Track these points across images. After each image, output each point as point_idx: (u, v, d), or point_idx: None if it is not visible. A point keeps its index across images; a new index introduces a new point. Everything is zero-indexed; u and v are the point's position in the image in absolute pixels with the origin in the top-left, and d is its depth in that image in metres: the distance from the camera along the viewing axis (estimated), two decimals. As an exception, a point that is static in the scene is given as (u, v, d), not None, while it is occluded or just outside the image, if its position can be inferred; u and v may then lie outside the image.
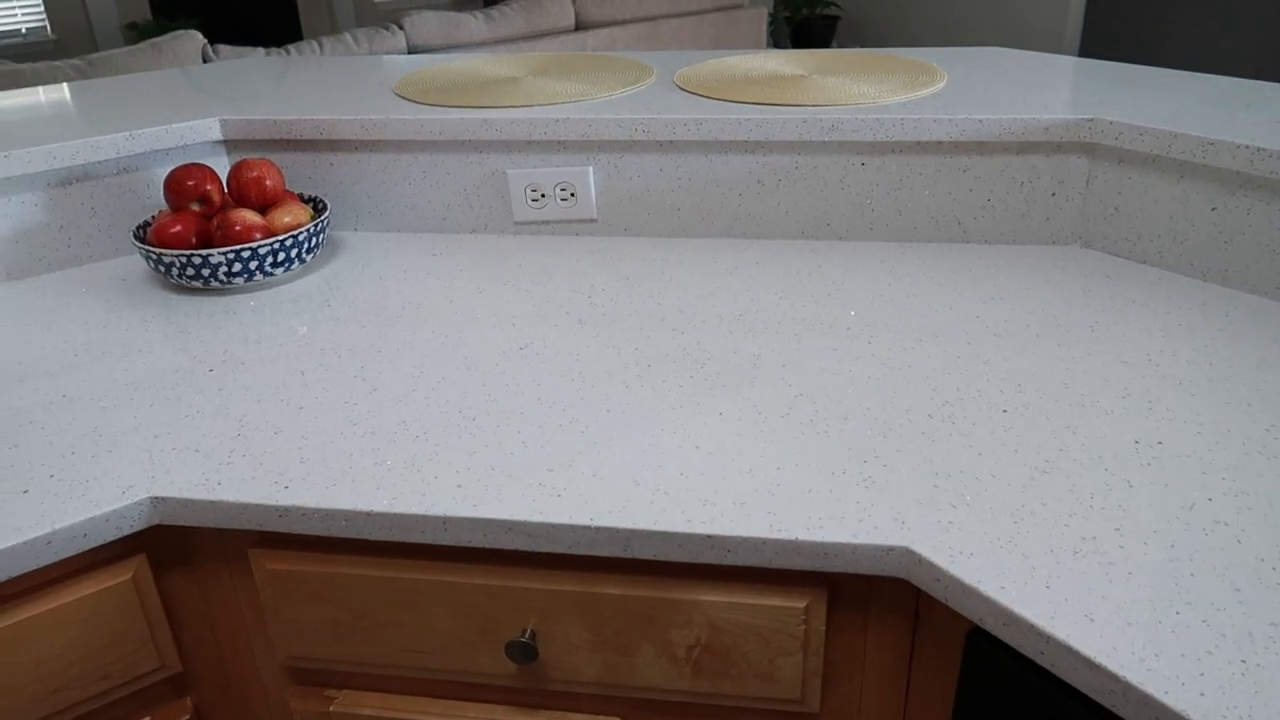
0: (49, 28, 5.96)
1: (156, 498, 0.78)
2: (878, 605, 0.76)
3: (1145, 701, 0.56)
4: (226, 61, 1.62)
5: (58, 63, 2.71)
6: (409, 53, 3.26)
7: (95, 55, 2.78)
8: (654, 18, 3.71)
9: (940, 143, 1.16)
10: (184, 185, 1.15)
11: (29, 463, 0.83)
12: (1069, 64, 1.38)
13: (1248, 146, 1.00)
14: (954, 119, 1.14)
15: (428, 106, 1.29)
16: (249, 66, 1.60)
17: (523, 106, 1.26)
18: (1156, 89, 1.22)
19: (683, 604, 0.76)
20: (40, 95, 1.45)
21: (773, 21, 5.51)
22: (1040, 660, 0.62)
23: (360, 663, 0.85)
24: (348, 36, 3.14)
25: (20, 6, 5.90)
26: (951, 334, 0.98)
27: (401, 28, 3.21)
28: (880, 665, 0.78)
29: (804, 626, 0.76)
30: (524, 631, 0.80)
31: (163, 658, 0.85)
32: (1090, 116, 1.11)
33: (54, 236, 1.22)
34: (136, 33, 5.94)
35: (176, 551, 0.85)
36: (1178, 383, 0.88)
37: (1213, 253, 1.06)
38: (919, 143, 1.17)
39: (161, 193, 1.28)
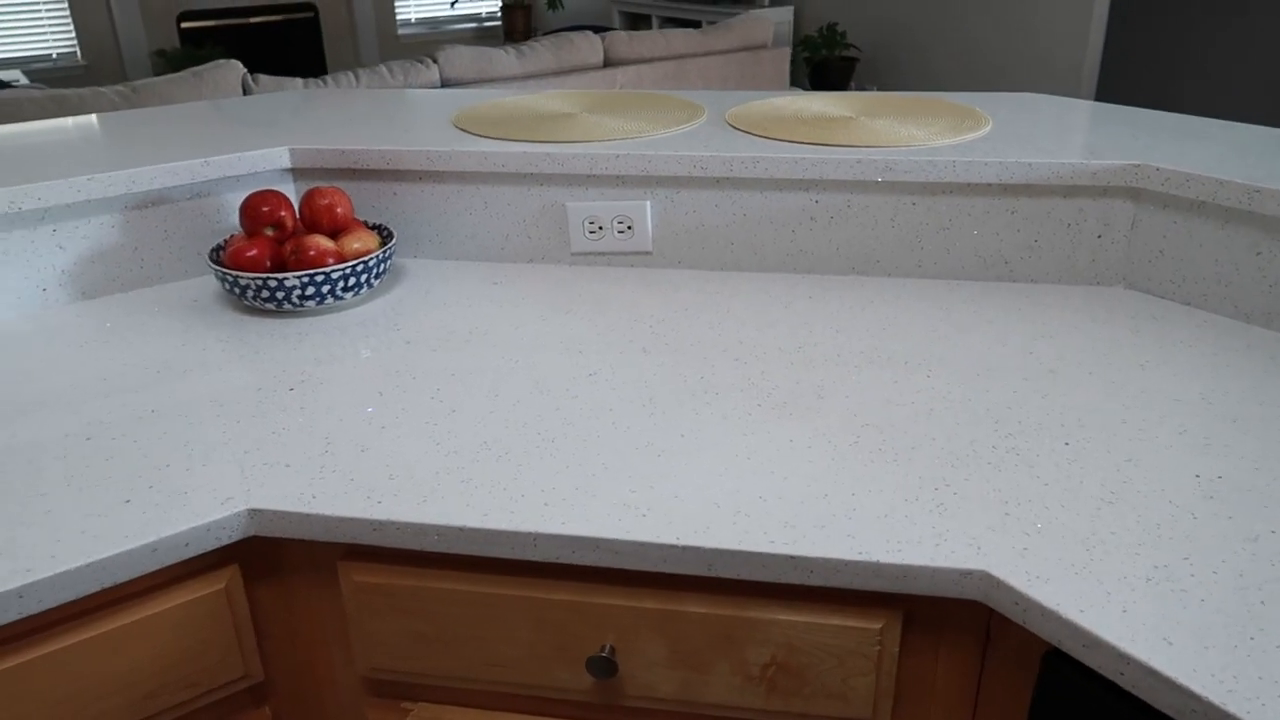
0: (79, 53, 6.07)
1: (254, 510, 0.81)
2: (950, 628, 0.79)
3: (1227, 721, 0.59)
4: (289, 92, 1.67)
5: (103, 89, 2.77)
6: (441, 86, 3.33)
7: (139, 82, 2.85)
8: (680, 56, 3.79)
9: (990, 185, 1.20)
10: (259, 211, 1.19)
11: (126, 474, 0.86)
12: (1109, 111, 1.42)
13: (1294, 194, 1.03)
14: (1004, 162, 1.18)
15: (489, 140, 1.34)
16: (310, 97, 1.65)
17: (582, 142, 1.31)
18: (1199, 138, 1.26)
19: (761, 623, 0.79)
20: (111, 122, 1.50)
21: (792, 62, 5.60)
22: (1121, 682, 0.64)
23: (438, 675, 0.88)
24: (383, 69, 3.21)
25: (51, 32, 6.01)
26: (1006, 369, 1.01)
27: (435, 61, 3.28)
28: (949, 688, 0.81)
29: (878, 648, 0.78)
30: (603, 647, 0.83)
31: (247, 667, 0.88)
32: (1137, 162, 1.15)
33: (128, 257, 1.26)
34: (165, 60, 6.04)
35: (265, 563, 0.87)
36: (1232, 420, 0.91)
37: (1257, 296, 1.10)
38: (969, 184, 1.21)
39: (231, 217, 1.32)
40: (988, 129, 1.33)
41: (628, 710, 0.88)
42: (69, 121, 1.50)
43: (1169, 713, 0.62)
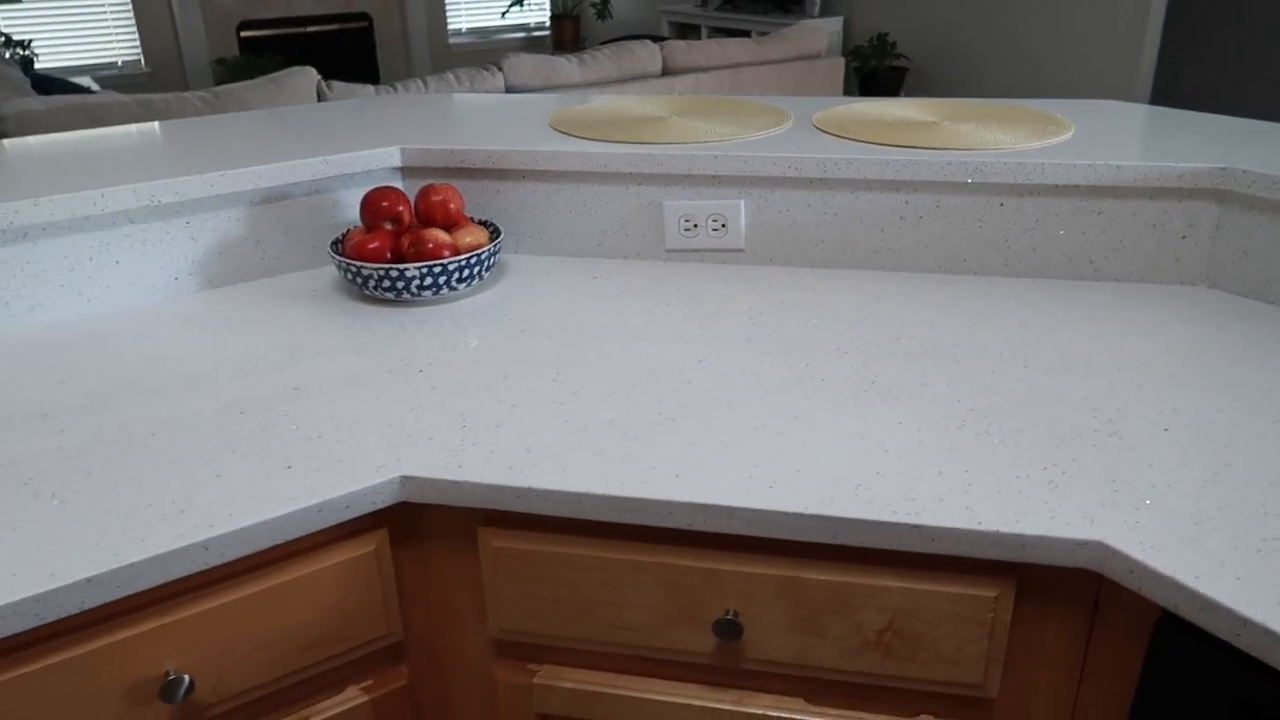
0: (143, 60, 6.25)
1: (406, 476, 0.88)
2: (1059, 599, 0.83)
3: (1344, 676, 0.63)
4: (388, 96, 1.75)
5: (186, 94, 2.89)
6: (506, 92, 3.41)
7: (220, 88, 2.96)
8: (736, 65, 3.85)
9: (1077, 186, 1.25)
10: (379, 206, 1.26)
11: (282, 443, 0.93)
12: (1189, 117, 1.46)
13: (1382, 196, 1.07)
14: (1093, 164, 1.22)
15: (587, 140, 1.40)
16: (410, 101, 1.73)
17: (679, 143, 1.37)
18: (1278, 142, 1.30)
19: (879, 589, 0.84)
20: (225, 124, 1.58)
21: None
22: (1237, 642, 0.69)
23: (565, 638, 0.94)
24: (450, 76, 3.30)
25: (117, 40, 6.20)
26: (1099, 362, 1.06)
27: (500, 69, 3.37)
28: (1057, 656, 0.85)
29: (992, 615, 0.83)
30: (727, 611, 0.88)
31: (389, 626, 0.94)
32: (1223, 165, 1.19)
33: (251, 250, 1.34)
34: (225, 68, 6.21)
35: (408, 529, 0.94)
36: (1325, 410, 0.95)
37: (1343, 295, 1.13)
38: (1057, 186, 1.25)
39: (345, 213, 1.40)
40: (1070, 134, 1.37)
41: (742, 674, 0.94)
42: (188, 122, 1.59)
43: (1285, 670, 0.66)
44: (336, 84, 3.16)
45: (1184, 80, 4.90)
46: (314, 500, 0.84)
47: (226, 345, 1.15)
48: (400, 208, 1.27)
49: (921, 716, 0.91)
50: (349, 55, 6.85)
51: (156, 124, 1.58)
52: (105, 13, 6.12)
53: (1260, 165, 1.19)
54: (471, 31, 7.27)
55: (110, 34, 6.19)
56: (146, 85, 6.17)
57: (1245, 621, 0.68)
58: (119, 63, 6.26)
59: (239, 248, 1.33)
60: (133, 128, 1.55)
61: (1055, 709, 0.88)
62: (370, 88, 3.15)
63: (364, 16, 6.75)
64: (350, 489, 0.86)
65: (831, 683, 0.92)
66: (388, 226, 1.27)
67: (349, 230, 1.32)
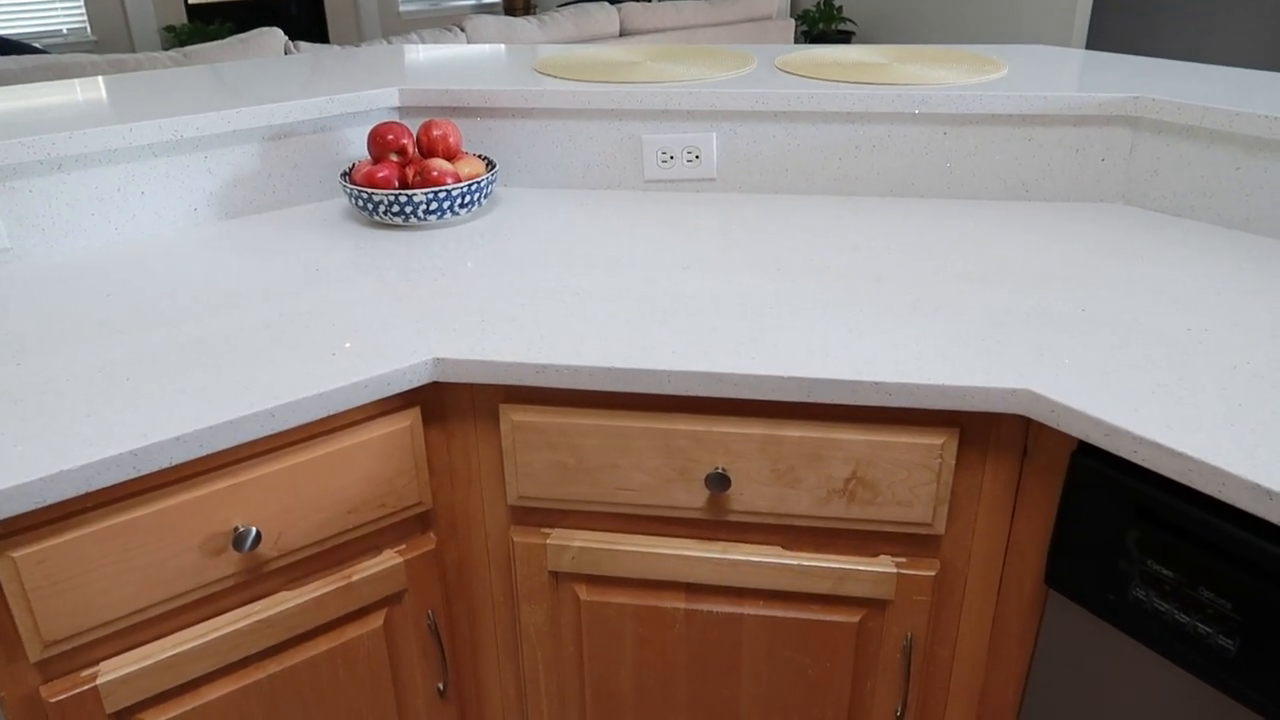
0: (89, 28, 6.17)
1: (439, 358, 1.01)
2: (995, 444, 1.00)
3: (1215, 473, 0.80)
4: (379, 46, 1.85)
5: (157, 54, 2.94)
6: (470, 53, 3.50)
7: (190, 48, 3.02)
8: (691, 26, 3.97)
9: (1010, 116, 1.41)
10: (385, 139, 1.38)
11: (326, 338, 1.05)
12: (1108, 58, 1.63)
13: (1267, 116, 1.24)
14: (1024, 95, 1.39)
15: (572, 82, 1.53)
16: (397, 51, 1.83)
17: (656, 83, 1.50)
18: (1187, 77, 1.47)
19: (845, 442, 1.00)
20: (233, 70, 1.68)
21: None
22: (1134, 458, 0.85)
23: (575, 501, 1.08)
24: (415, 36, 3.38)
25: (61, 7, 6.12)
26: (1030, 264, 1.22)
27: (464, 30, 3.46)
28: (994, 494, 1.02)
29: (939, 460, 0.99)
30: (717, 468, 1.03)
31: (420, 495, 1.08)
32: (1136, 95, 1.36)
33: (263, 183, 1.45)
34: (175, 35, 6.17)
35: (435, 408, 1.07)
36: (1215, 293, 1.12)
37: (1236, 205, 1.31)
38: (993, 115, 1.41)
39: (349, 149, 1.51)
40: (1004, 72, 1.53)
41: (728, 526, 1.09)
42: (194, 70, 1.69)
43: (1172, 476, 0.83)
44: (304, 44, 3.23)
45: (1117, 29, 5.13)
46: (360, 376, 0.97)
47: (252, 266, 1.27)
48: (405, 140, 1.39)
49: (881, 556, 1.07)
50: (298, 23, 6.83)
51: (163, 71, 1.67)
52: (49, -21, 6.03)
53: (1169, 95, 1.36)
54: (423, -2, 7.27)
55: (55, 1, 6.11)
56: (94, 53, 6.10)
57: (1140, 440, 0.85)
58: (64, 30, 6.19)
59: (252, 181, 1.44)
60: (139, 75, 1.64)
61: (993, 541, 1.04)
62: (337, 48, 3.22)
63: (314, -17, 6.72)
64: (391, 368, 0.99)
65: (805, 529, 1.08)
66: (393, 158, 1.39)
67: (356, 163, 1.43)
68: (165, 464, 0.88)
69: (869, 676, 1.13)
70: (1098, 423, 0.87)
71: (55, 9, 6.12)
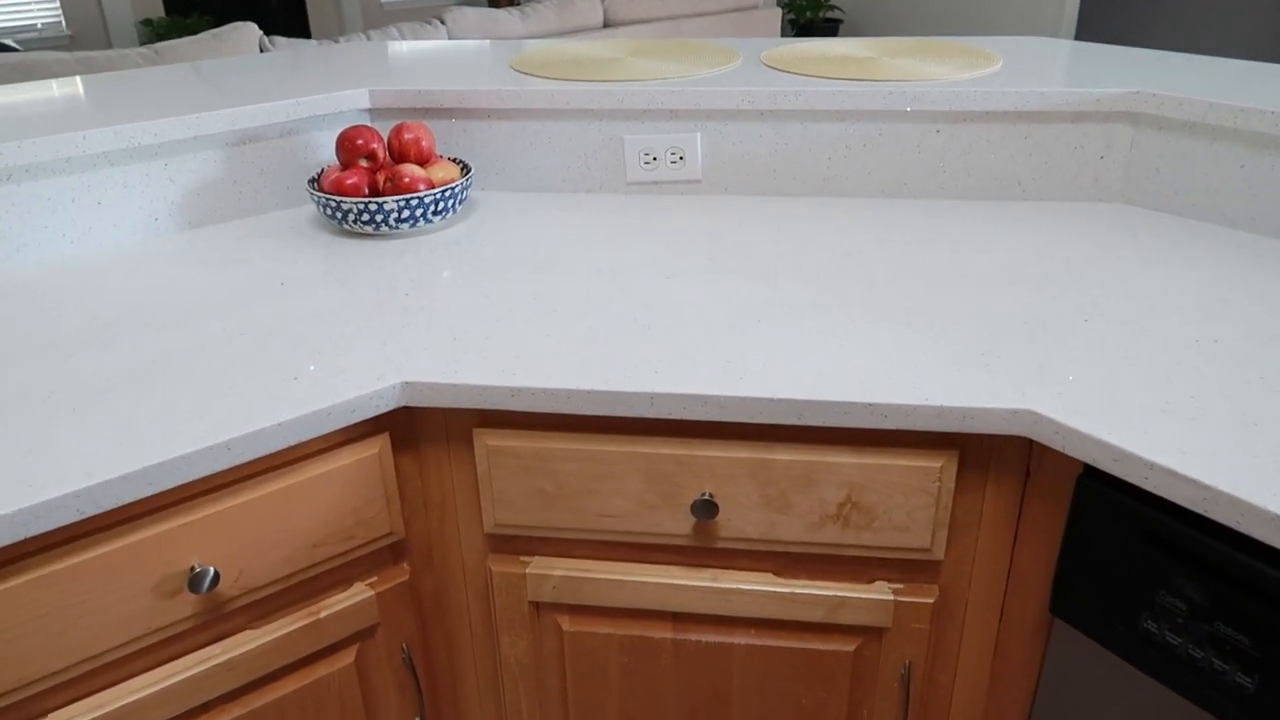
0: (64, 23, 6.06)
1: (407, 382, 0.95)
2: (996, 466, 0.94)
3: (1234, 503, 0.75)
4: (354, 43, 1.79)
5: (128, 51, 2.86)
6: (450, 46, 3.42)
7: (161, 45, 2.94)
8: (677, 17, 3.90)
9: (1005, 112, 1.35)
10: (355, 144, 1.32)
11: (288, 359, 1.00)
12: (1106, 50, 1.57)
13: (1273, 112, 1.19)
14: (1019, 91, 1.33)
15: (550, 80, 1.47)
16: (372, 49, 1.77)
17: (638, 81, 1.44)
18: (1187, 71, 1.42)
19: (838, 466, 0.95)
20: (196, 71, 1.61)
21: (776, 24, 5.71)
22: (1145, 485, 0.80)
23: (555, 528, 1.03)
24: (394, 29, 3.30)
25: (36, 3, 6.00)
26: (1028, 270, 1.17)
27: (444, 22, 3.38)
28: (995, 518, 0.97)
29: (938, 484, 0.94)
30: (703, 494, 0.98)
31: (392, 525, 1.02)
32: (1136, 90, 1.31)
33: (228, 190, 1.39)
34: (151, 29, 6.06)
35: (407, 434, 1.02)
36: (1223, 301, 1.07)
37: (1241, 204, 1.26)
38: (987, 112, 1.36)
39: (318, 153, 1.45)
40: (998, 66, 1.48)
41: (716, 553, 1.04)
42: (159, 70, 1.62)
43: (1183, 503, 0.78)
44: (279, 39, 3.15)
45: (1106, 20, 5.07)
46: (323, 404, 0.91)
47: (216, 277, 1.20)
48: (375, 145, 1.33)
49: (877, 582, 1.02)
50: (279, 16, 6.73)
51: (128, 72, 1.60)
52: (22, -27, 5.92)
53: (1169, 89, 1.30)
54: (405, -11, 7.17)
55: (29, -4, 5.99)
56: (69, 48, 6.00)
57: (1151, 465, 0.80)
58: (39, 24, 6.07)
59: (216, 188, 1.38)
60: (102, 76, 1.57)
61: (994, 567, 0.99)
62: (313, 42, 3.14)
63: (294, -26, 6.62)
64: (356, 393, 0.93)
65: (797, 555, 1.02)
66: (363, 163, 1.33)
67: (324, 169, 1.37)
68: (112, 505, 0.82)
69: (865, 706, 1.08)
70: (1106, 446, 0.82)
71: (29, 4, 6.00)
